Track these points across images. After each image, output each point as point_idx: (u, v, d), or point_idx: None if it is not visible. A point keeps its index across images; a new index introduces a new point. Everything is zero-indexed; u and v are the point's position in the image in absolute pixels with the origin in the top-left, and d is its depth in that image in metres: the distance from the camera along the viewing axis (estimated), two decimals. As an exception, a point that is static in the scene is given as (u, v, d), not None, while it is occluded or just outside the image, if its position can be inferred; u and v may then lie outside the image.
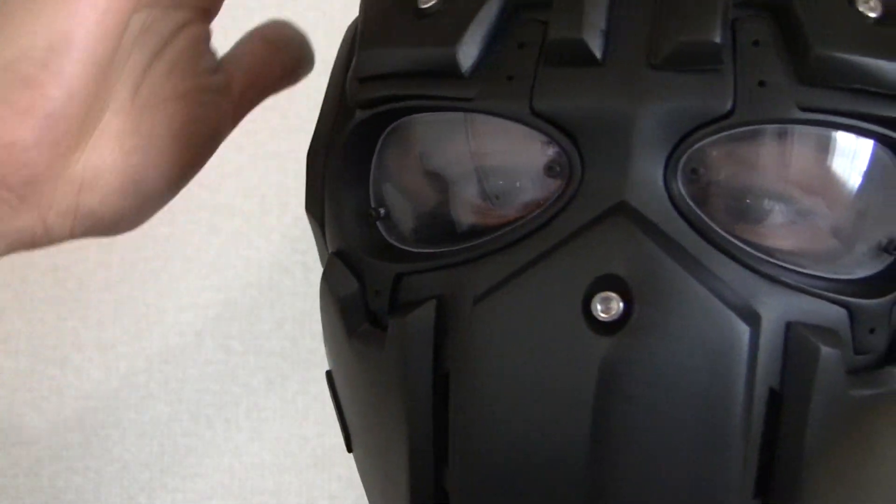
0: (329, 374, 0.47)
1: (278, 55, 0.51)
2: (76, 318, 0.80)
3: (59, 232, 0.44)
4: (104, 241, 0.81)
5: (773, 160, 0.40)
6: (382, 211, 0.43)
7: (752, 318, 0.37)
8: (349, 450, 0.48)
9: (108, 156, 0.44)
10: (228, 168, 0.80)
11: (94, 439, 0.81)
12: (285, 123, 0.80)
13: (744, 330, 0.37)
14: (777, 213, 0.40)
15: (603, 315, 0.37)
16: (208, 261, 0.81)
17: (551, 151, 0.40)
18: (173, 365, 0.81)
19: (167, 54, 0.45)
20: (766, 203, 0.40)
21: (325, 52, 0.80)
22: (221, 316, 0.81)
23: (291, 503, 0.81)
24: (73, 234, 0.45)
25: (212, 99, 0.47)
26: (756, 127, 0.39)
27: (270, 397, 0.81)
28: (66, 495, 0.81)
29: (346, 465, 0.80)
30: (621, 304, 0.37)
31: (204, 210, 0.80)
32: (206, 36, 0.47)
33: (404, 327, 0.40)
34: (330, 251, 0.45)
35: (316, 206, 0.46)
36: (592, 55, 0.38)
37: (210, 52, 0.48)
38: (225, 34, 0.84)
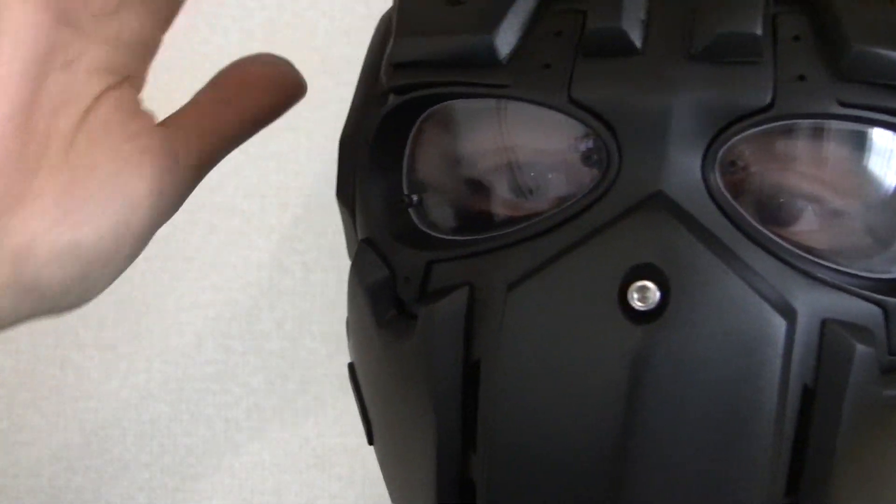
0: (351, 367, 0.47)
1: (231, 106, 0.47)
2: (76, 318, 0.80)
3: (2, 312, 0.41)
4: (104, 241, 0.81)
5: (811, 156, 0.40)
6: (415, 198, 0.43)
7: (789, 313, 0.37)
8: (370, 442, 0.47)
9: (42, 221, 0.40)
10: (228, 168, 0.80)
11: (94, 439, 0.81)
12: (285, 123, 0.80)
13: (780, 324, 0.37)
14: (813, 210, 0.40)
15: (639, 304, 0.37)
16: (208, 261, 0.80)
17: (588, 140, 0.40)
18: (173, 365, 0.81)
19: (93, 119, 0.42)
20: (803, 199, 0.40)
21: (325, 51, 0.80)
22: (221, 316, 0.81)
23: (291, 503, 0.81)
24: (19, 313, 0.42)
25: (150, 161, 0.43)
26: (794, 122, 0.39)
27: (270, 397, 0.81)
28: (66, 495, 0.81)
29: (346, 465, 0.80)
30: (658, 294, 0.36)
31: (204, 210, 0.80)
32: (133, 98, 0.45)
33: (435, 314, 0.40)
34: (360, 238, 0.44)
35: (347, 192, 0.46)
36: (632, 44, 0.38)
37: (143, 115, 0.45)
38: (225, 34, 0.85)
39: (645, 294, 0.37)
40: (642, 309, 0.37)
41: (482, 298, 0.39)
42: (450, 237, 0.42)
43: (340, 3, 0.80)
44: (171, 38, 0.84)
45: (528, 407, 0.38)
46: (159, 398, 0.81)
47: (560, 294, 0.38)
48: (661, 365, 0.36)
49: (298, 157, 0.80)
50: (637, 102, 0.38)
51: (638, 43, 0.38)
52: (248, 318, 0.81)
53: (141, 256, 0.84)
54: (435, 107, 0.43)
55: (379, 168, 0.44)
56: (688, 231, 0.37)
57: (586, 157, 0.40)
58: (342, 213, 0.47)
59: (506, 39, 0.40)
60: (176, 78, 0.80)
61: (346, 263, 0.81)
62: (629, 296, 0.37)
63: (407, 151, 0.44)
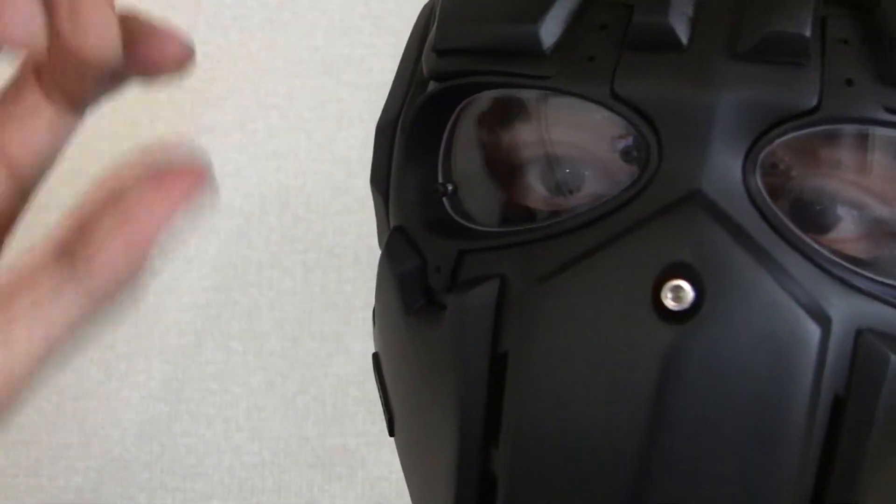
0: (375, 357, 0.47)
1: None
2: (76, 318, 0.80)
3: None
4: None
5: (853, 162, 0.39)
6: (450, 187, 0.43)
7: (823, 320, 0.37)
8: (391, 434, 0.47)
9: None
10: (228, 168, 0.80)
11: (94, 439, 0.81)
12: (285, 123, 0.80)
13: (814, 331, 0.36)
14: (853, 217, 0.39)
15: (672, 303, 0.36)
16: (208, 261, 0.81)
17: (628, 136, 0.40)
18: (173, 365, 0.81)
19: None
20: (843, 205, 0.39)
21: (325, 51, 0.81)
22: (221, 316, 0.81)
23: (291, 503, 0.81)
24: None
25: None
26: (838, 127, 0.38)
27: (270, 397, 0.81)
28: (66, 495, 0.81)
29: (346, 464, 0.80)
30: (692, 294, 0.36)
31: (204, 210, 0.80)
32: None
33: (464, 304, 0.39)
34: (392, 225, 0.44)
35: (381, 179, 0.45)
36: (678, 40, 0.38)
37: None
38: (225, 33, 0.85)
39: (679, 293, 0.36)
40: (675, 308, 0.36)
41: (513, 291, 0.39)
42: (483, 228, 0.42)
43: (340, 3, 0.80)
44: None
45: (554, 402, 0.37)
46: (159, 398, 0.81)
47: (592, 289, 0.37)
48: (692, 366, 0.36)
49: (298, 157, 0.80)
50: (680, 99, 0.38)
51: (684, 39, 0.38)
52: (248, 318, 0.81)
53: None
54: (475, 95, 0.42)
55: (415, 155, 0.43)
56: (725, 231, 0.37)
57: (625, 153, 0.40)
58: (375, 199, 0.46)
59: (550, 30, 0.39)
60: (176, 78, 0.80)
61: (346, 263, 0.81)
62: (662, 294, 0.36)
63: (444, 140, 0.43)
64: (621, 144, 0.40)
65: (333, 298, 0.80)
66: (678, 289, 0.36)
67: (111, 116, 0.77)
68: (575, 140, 0.41)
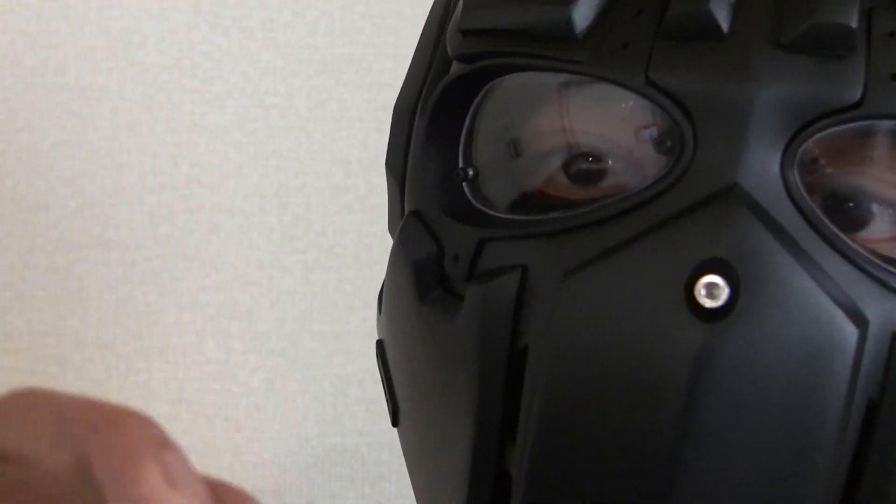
0: (379, 344, 0.45)
1: None
2: (76, 318, 0.80)
3: None
4: (104, 241, 0.81)
5: (891, 159, 0.38)
6: (471, 172, 0.41)
7: (861, 321, 0.35)
8: (394, 424, 0.45)
9: None
10: (228, 168, 0.80)
11: (94, 439, 0.81)
12: (285, 123, 0.80)
13: (851, 332, 0.35)
14: (888, 216, 0.38)
15: (707, 300, 0.35)
16: (208, 261, 0.80)
17: (653, 125, 0.38)
18: (173, 365, 0.81)
19: None
20: (882, 204, 0.38)
21: (325, 51, 0.81)
22: (221, 316, 0.81)
23: (291, 503, 0.81)
24: None
25: None
26: (880, 122, 0.37)
27: (270, 397, 0.81)
28: (66, 495, 0.81)
29: (346, 464, 0.80)
30: (727, 291, 0.35)
31: (204, 210, 0.80)
32: None
33: (484, 296, 0.38)
34: (408, 210, 0.43)
35: (397, 161, 0.44)
36: (718, 28, 0.36)
37: None
38: (225, 33, 0.85)
39: (713, 291, 0.35)
40: (710, 306, 0.35)
41: (535, 283, 0.37)
42: (504, 216, 0.40)
43: (340, 3, 0.80)
44: (170, 37, 0.84)
45: (576, 401, 0.36)
46: (159, 398, 0.81)
47: (622, 284, 0.36)
48: (725, 366, 0.35)
49: (298, 157, 0.80)
50: (719, 90, 0.36)
51: (725, 27, 0.36)
52: (248, 318, 0.81)
53: (141, 256, 0.84)
54: (500, 78, 0.41)
55: (436, 139, 0.42)
56: (764, 228, 0.35)
57: (658, 143, 0.38)
58: (389, 183, 0.45)
59: (584, 14, 0.38)
60: (176, 78, 0.80)
61: (346, 263, 0.81)
62: (696, 291, 0.35)
63: (466, 123, 0.42)
64: (648, 133, 0.39)
65: (333, 298, 0.80)
66: (713, 285, 0.35)
67: (111, 117, 0.77)
68: (598, 128, 0.40)
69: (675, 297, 0.35)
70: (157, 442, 0.33)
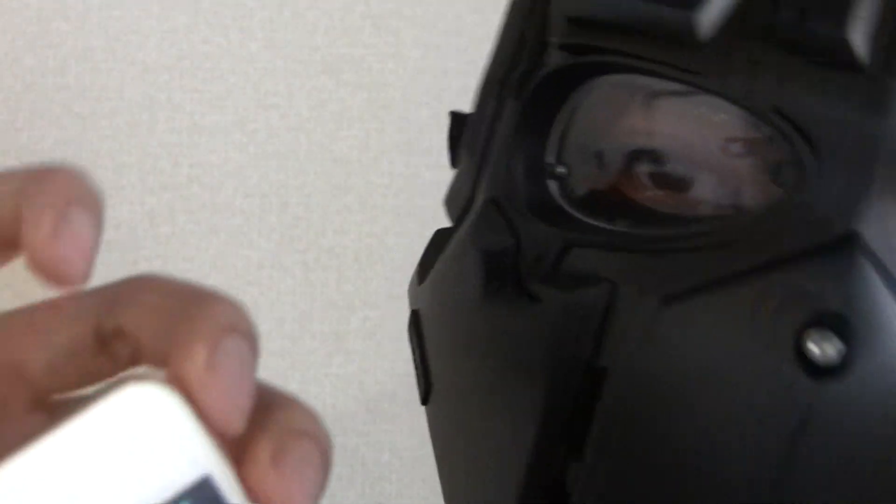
0: (415, 314, 0.42)
1: None
2: (76, 318, 0.80)
3: None
4: (104, 241, 0.81)
5: None
6: (561, 169, 0.39)
7: None
8: (424, 402, 0.42)
9: None
10: (228, 168, 0.80)
11: (94, 439, 0.81)
12: (285, 123, 0.80)
13: None
14: None
15: (818, 355, 0.33)
16: (208, 261, 0.80)
17: (777, 153, 0.36)
18: (173, 365, 0.81)
19: None
20: None
21: (325, 51, 0.81)
22: (221, 316, 0.81)
23: (291, 503, 0.81)
24: None
25: None
26: None
27: (270, 397, 0.81)
28: (66, 495, 0.81)
29: (347, 464, 0.80)
30: (840, 348, 0.32)
31: (204, 210, 0.80)
32: None
33: (568, 305, 0.36)
34: (486, 196, 0.40)
35: (478, 142, 0.41)
36: (854, 57, 0.33)
37: None
38: (225, 33, 0.85)
39: (825, 346, 0.32)
40: (821, 362, 0.32)
41: (624, 302, 0.35)
42: (592, 222, 0.38)
43: (340, 3, 0.80)
44: (170, 37, 0.84)
45: (665, 432, 0.34)
46: (159, 398, 0.81)
47: (727, 322, 0.33)
48: (832, 428, 0.33)
49: (298, 157, 0.80)
50: (850, 124, 0.33)
51: (862, 56, 0.33)
52: (248, 318, 0.81)
53: (141, 256, 0.84)
54: (606, 75, 0.38)
55: (528, 128, 0.39)
56: (882, 284, 0.33)
57: (775, 172, 0.36)
58: (464, 161, 0.42)
59: (710, 20, 0.34)
60: (176, 78, 0.80)
61: (346, 263, 0.81)
62: (807, 344, 0.33)
63: (561, 116, 0.39)
64: (768, 161, 0.36)
65: (333, 298, 0.80)
66: (826, 340, 0.33)
67: (111, 117, 0.77)
68: (711, 145, 0.37)
69: (784, 346, 0.33)
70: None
